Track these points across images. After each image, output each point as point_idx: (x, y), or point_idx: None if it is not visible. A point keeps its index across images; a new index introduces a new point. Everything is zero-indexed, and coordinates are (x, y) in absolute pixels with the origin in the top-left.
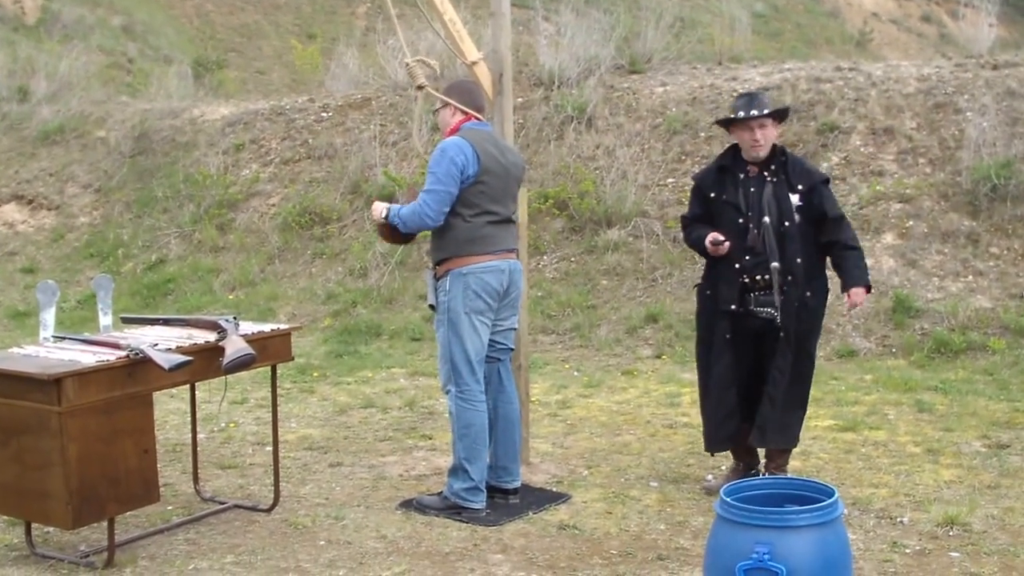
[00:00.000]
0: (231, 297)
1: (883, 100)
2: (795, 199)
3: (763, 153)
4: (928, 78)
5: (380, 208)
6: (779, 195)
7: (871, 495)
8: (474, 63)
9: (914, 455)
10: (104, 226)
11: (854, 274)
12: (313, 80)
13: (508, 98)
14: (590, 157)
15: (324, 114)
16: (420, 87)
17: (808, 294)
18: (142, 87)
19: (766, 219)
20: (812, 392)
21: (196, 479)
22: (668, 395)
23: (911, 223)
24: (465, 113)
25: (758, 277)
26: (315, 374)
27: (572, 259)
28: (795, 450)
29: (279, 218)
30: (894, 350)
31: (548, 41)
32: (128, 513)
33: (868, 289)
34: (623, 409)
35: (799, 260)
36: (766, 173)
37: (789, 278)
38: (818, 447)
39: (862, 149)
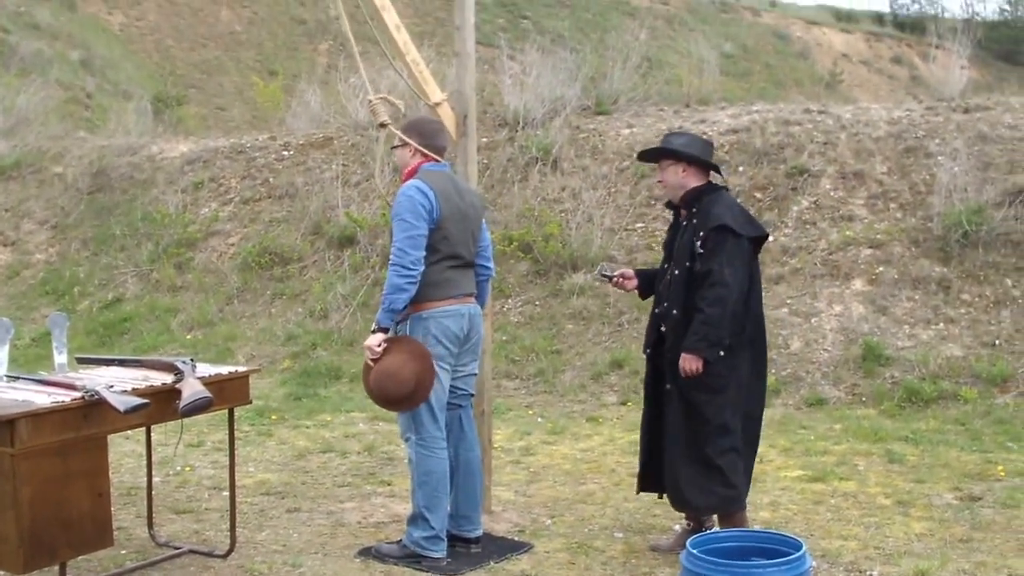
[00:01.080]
0: (189, 337)
1: (853, 143)
2: (698, 244)
3: (670, 195)
4: (899, 121)
5: (373, 339)
6: (688, 240)
7: (840, 547)
8: (437, 104)
9: (884, 507)
10: (60, 263)
11: (688, 339)
12: (274, 118)
13: (472, 140)
14: (555, 199)
15: (285, 153)
16: (382, 125)
17: None
18: (100, 122)
19: (675, 265)
20: (781, 441)
21: (151, 523)
22: (633, 443)
23: (881, 269)
24: (424, 154)
25: (662, 325)
26: (274, 417)
27: (537, 303)
28: (764, 500)
29: (238, 258)
30: (864, 399)
31: (513, 81)
32: (81, 557)
33: (701, 357)
34: (587, 457)
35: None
36: (687, 217)
37: (679, 328)
38: (787, 498)
39: (832, 193)
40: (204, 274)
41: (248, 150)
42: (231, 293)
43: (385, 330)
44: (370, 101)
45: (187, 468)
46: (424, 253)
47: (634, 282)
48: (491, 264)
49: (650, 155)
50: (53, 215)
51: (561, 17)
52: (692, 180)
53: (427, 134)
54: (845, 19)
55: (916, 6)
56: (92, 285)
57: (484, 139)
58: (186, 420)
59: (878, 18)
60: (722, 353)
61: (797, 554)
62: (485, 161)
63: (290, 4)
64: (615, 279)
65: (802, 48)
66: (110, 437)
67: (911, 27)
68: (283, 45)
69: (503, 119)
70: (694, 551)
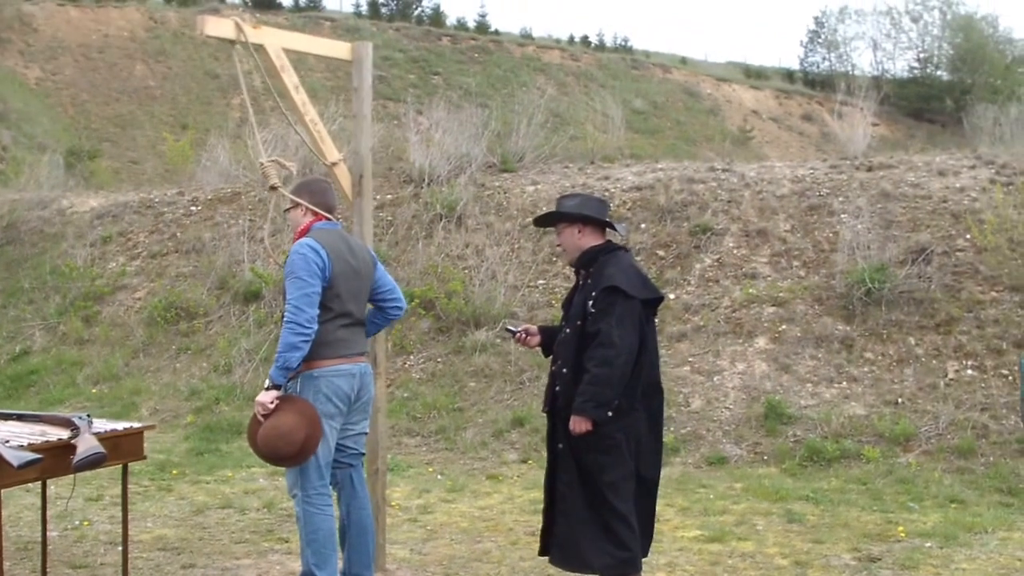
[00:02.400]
0: (95, 391)
1: (757, 201)
2: (590, 305)
3: (568, 257)
4: (803, 179)
5: (266, 396)
6: (582, 300)
7: None
8: (334, 164)
9: (781, 567)
10: None
11: (577, 400)
12: (185, 172)
13: (367, 199)
14: (459, 256)
15: (193, 208)
16: (272, 188)
17: None
18: (15, 176)
19: (568, 324)
20: (679, 500)
21: None
22: (533, 501)
23: (784, 327)
24: (315, 213)
25: (557, 384)
26: (175, 472)
27: (439, 360)
28: (660, 561)
29: (145, 312)
30: (766, 457)
31: (420, 138)
32: None
33: (589, 418)
34: (486, 515)
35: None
36: (583, 277)
37: (570, 387)
38: (684, 559)
39: (735, 251)
40: (111, 328)
41: (157, 205)
42: (137, 347)
43: (279, 387)
44: (261, 164)
45: (85, 523)
46: (318, 311)
47: (537, 338)
48: (402, 302)
49: (545, 220)
50: None
51: (472, 73)
52: (589, 240)
53: (317, 192)
54: (755, 76)
55: (826, 63)
56: (0, 338)
57: (389, 195)
58: (87, 474)
59: (788, 75)
60: (611, 414)
61: None
62: (390, 218)
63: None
64: (518, 335)
65: (712, 105)
66: (10, 490)
67: (821, 84)
68: (197, 99)
69: (408, 176)
70: None
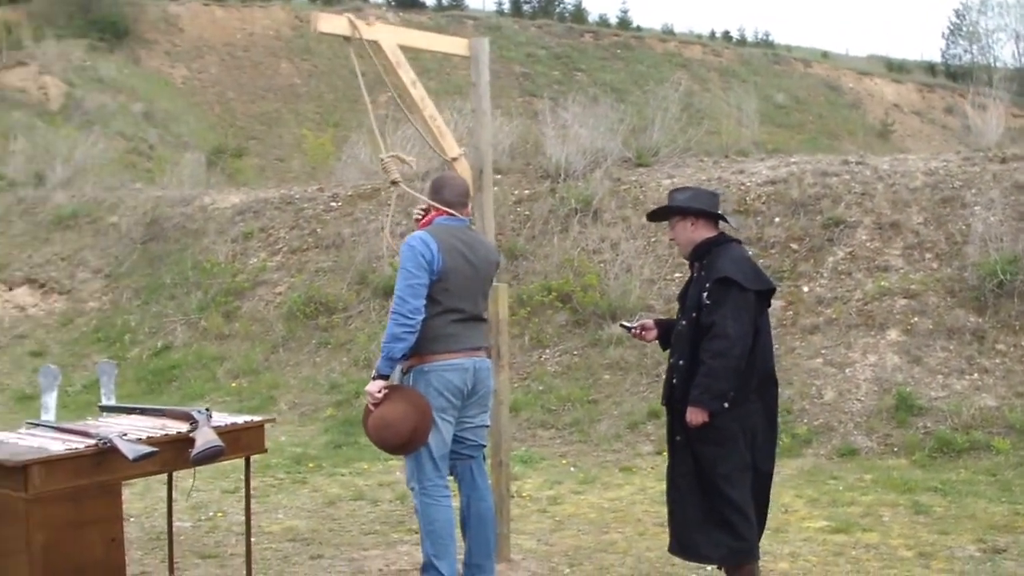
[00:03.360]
0: (234, 385)
1: (889, 194)
2: (704, 296)
3: (683, 251)
4: (935, 172)
5: (373, 386)
6: (696, 292)
7: None
8: (454, 159)
9: (904, 559)
10: (112, 311)
11: (692, 391)
12: (326, 169)
13: (488, 193)
14: (595, 250)
15: (333, 203)
16: (394, 182)
17: None
18: (161, 173)
19: (684, 316)
20: (808, 492)
21: (171, 568)
22: (663, 492)
23: (916, 319)
24: (437, 208)
25: (674, 377)
26: (311, 465)
27: (574, 353)
28: (784, 551)
29: (284, 307)
30: (896, 449)
31: (556, 134)
32: None
33: (704, 409)
34: (615, 506)
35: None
36: (697, 269)
37: (687, 379)
38: (807, 549)
39: (868, 244)
40: (251, 323)
41: (297, 201)
42: (276, 342)
43: (385, 377)
44: (382, 159)
45: (219, 514)
46: (424, 302)
47: (653, 333)
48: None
49: (658, 214)
50: (107, 264)
51: (614, 70)
52: (702, 232)
53: (435, 188)
54: (896, 69)
55: (968, 56)
56: (142, 333)
57: (527, 191)
58: (226, 467)
59: (930, 68)
60: (726, 405)
61: None
62: (527, 212)
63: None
64: (635, 331)
65: (854, 99)
66: (148, 481)
67: (963, 77)
68: (342, 97)
69: (545, 171)
70: None
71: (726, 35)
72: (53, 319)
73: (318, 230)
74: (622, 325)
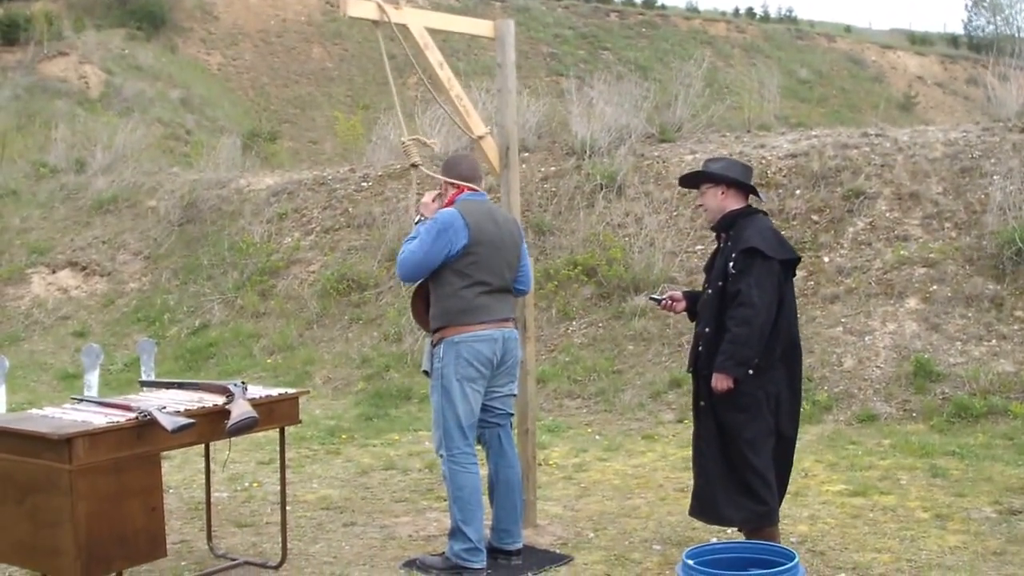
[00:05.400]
0: (270, 361)
1: (909, 165)
2: (730, 266)
3: (710, 218)
4: (955, 142)
5: (429, 207)
6: (723, 261)
7: (872, 560)
8: (480, 137)
9: (921, 520)
10: (152, 292)
11: (718, 358)
12: (357, 150)
13: (514, 171)
14: (619, 225)
15: (364, 183)
16: (414, 165)
17: None
18: (198, 157)
19: (710, 285)
20: (828, 456)
21: (210, 536)
22: (685, 459)
23: (935, 287)
24: (455, 185)
25: (700, 344)
26: (343, 436)
27: (600, 325)
28: (803, 514)
29: (318, 285)
30: (915, 415)
31: (581, 111)
32: (142, 567)
33: (730, 376)
34: (638, 472)
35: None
36: (724, 239)
37: (712, 347)
38: (826, 512)
39: (887, 214)
40: (286, 301)
41: (329, 182)
42: (311, 319)
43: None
44: (403, 142)
45: (255, 484)
46: (420, 274)
47: (682, 304)
48: (524, 286)
49: (690, 180)
50: (146, 246)
51: (640, 48)
52: (731, 203)
53: (449, 166)
54: (919, 42)
55: (991, 27)
56: (181, 312)
57: (553, 167)
58: (260, 439)
59: (952, 40)
60: (751, 372)
61: (789, 564)
62: (553, 189)
63: (378, 40)
64: (664, 302)
65: (877, 72)
66: (187, 452)
67: (986, 48)
68: (373, 80)
69: (571, 148)
70: (690, 562)
71: (750, 12)
72: (95, 300)
73: (350, 209)
74: (651, 297)
